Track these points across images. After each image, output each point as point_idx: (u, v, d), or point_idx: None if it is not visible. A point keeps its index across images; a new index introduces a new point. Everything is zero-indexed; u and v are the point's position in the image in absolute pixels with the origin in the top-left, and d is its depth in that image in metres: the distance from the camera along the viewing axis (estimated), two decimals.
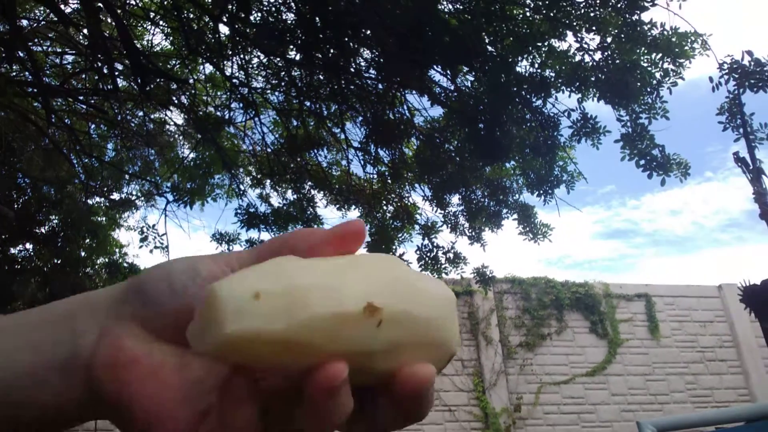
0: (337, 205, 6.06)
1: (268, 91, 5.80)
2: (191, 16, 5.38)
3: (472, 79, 5.02)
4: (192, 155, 6.48)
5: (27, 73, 5.36)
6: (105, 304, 0.36)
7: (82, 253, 6.36)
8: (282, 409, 0.34)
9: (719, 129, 4.14)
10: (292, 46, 5.06)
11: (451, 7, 4.81)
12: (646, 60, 4.26)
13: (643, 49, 4.21)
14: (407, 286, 0.34)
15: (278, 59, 5.21)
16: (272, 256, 0.34)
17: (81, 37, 5.73)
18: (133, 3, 5.81)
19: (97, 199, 6.72)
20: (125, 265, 6.29)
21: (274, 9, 4.79)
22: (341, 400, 0.31)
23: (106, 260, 6.63)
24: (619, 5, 4.10)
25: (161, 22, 5.95)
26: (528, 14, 4.61)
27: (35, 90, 5.12)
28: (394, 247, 5.55)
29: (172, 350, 0.34)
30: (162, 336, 0.34)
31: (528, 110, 4.56)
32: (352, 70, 5.00)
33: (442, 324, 0.35)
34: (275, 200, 6.23)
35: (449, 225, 5.62)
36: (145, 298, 0.35)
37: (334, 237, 0.36)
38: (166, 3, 5.37)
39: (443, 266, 5.43)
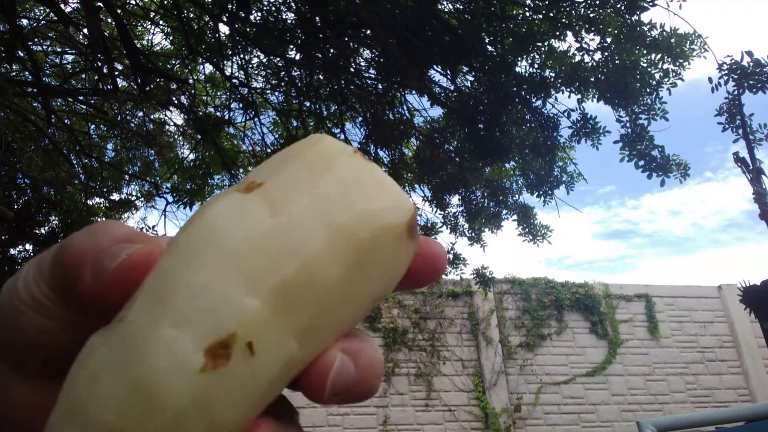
0: None
1: (268, 92, 5.80)
2: (191, 16, 5.38)
3: (472, 79, 5.02)
4: (192, 156, 6.48)
5: (27, 73, 5.36)
6: None
7: None
8: None
9: (719, 129, 4.14)
10: (292, 46, 5.07)
11: (451, 7, 4.81)
12: (645, 60, 4.27)
13: (642, 49, 4.21)
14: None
15: (278, 59, 5.21)
16: (62, 270, 0.26)
17: (81, 36, 5.73)
18: (133, 3, 5.81)
19: (97, 199, 6.72)
20: None
21: (274, 9, 4.80)
22: None
23: None
24: (618, 6, 4.10)
25: (161, 22, 5.95)
26: (528, 14, 4.61)
27: (35, 90, 5.12)
28: None
29: (44, 389, 0.28)
30: (31, 369, 0.28)
31: (528, 110, 4.56)
32: (352, 70, 5.00)
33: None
34: None
35: (449, 226, 5.62)
36: None
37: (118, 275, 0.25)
38: (166, 3, 5.37)
39: None
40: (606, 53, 4.23)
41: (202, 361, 0.21)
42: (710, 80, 4.00)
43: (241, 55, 5.26)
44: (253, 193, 0.24)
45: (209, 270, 0.22)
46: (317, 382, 0.24)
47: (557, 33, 4.39)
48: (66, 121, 6.09)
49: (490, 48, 4.55)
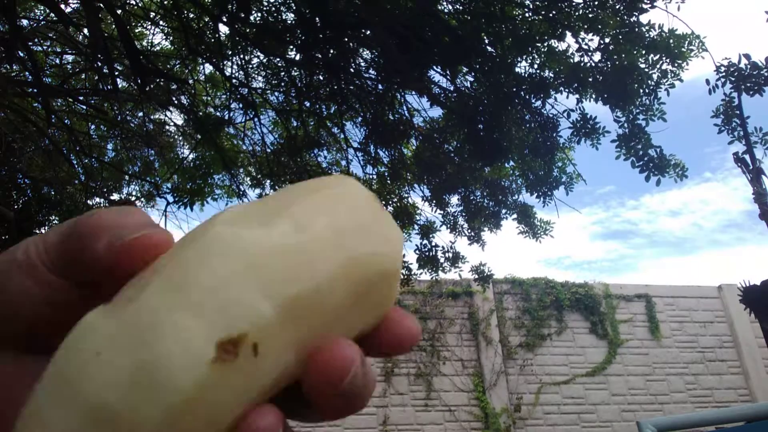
0: None
1: (268, 92, 5.80)
2: (191, 16, 5.38)
3: (472, 79, 5.03)
4: (192, 156, 6.48)
5: (27, 73, 5.37)
6: None
7: None
8: None
9: (717, 130, 4.15)
10: (292, 46, 5.07)
11: (451, 7, 4.82)
12: (644, 61, 4.27)
13: (641, 50, 4.22)
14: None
15: (278, 59, 5.22)
16: (76, 237, 0.26)
17: (81, 37, 5.74)
18: (133, 3, 5.81)
19: (97, 199, 6.71)
20: None
21: (274, 9, 4.80)
22: None
23: None
24: (617, 6, 4.11)
25: (161, 22, 5.95)
26: (527, 15, 4.61)
27: (35, 90, 5.13)
28: None
29: (19, 366, 0.27)
30: (8, 341, 0.27)
31: (527, 111, 4.56)
32: (352, 70, 5.01)
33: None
34: None
35: (448, 225, 5.62)
36: None
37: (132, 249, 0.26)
38: (166, 3, 5.37)
39: (442, 266, 5.43)
40: (605, 54, 4.24)
41: (213, 353, 0.21)
42: (707, 82, 4.00)
43: (241, 55, 5.27)
44: (282, 213, 0.26)
45: (231, 269, 0.23)
46: (336, 372, 0.24)
47: (556, 33, 4.40)
48: (66, 121, 6.09)
49: (490, 48, 4.56)
